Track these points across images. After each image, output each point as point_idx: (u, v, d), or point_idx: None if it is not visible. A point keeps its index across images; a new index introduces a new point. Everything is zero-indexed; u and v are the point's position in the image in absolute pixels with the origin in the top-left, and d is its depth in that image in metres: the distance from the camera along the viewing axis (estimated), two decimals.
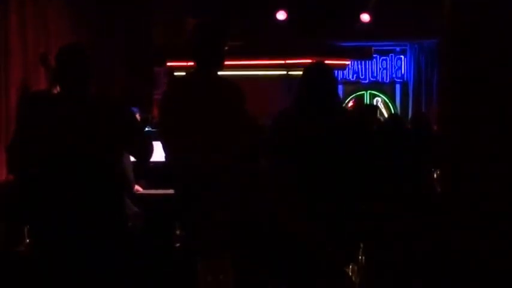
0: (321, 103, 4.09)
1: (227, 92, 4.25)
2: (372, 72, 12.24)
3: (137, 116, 6.11)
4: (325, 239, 3.77)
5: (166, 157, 4.37)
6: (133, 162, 5.60)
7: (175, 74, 9.14)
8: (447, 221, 4.29)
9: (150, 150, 4.05)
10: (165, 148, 4.34)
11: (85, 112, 3.79)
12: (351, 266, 3.71)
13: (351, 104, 12.04)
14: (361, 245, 3.22)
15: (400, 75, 12.15)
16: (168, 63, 9.57)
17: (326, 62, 9.36)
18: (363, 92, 12.25)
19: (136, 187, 5.96)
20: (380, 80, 12.25)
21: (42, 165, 3.89)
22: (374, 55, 11.43)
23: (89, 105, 3.82)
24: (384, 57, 12.15)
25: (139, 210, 5.57)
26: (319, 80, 4.15)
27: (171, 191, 4.63)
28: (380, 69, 12.20)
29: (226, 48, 4.36)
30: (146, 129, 6.68)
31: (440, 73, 11.02)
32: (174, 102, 4.28)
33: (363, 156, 4.11)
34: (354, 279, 3.58)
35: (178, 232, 5.23)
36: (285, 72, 9.66)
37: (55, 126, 3.77)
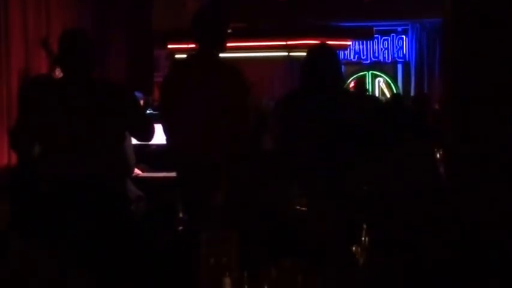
0: (324, 84, 4.11)
1: (228, 74, 4.26)
2: (374, 53, 12.21)
3: (141, 101, 6.12)
4: (335, 218, 3.80)
5: (167, 139, 4.38)
6: (134, 145, 5.61)
7: (176, 56, 9.14)
8: (452, 201, 4.30)
9: (151, 131, 4.08)
10: (166, 129, 4.35)
11: (86, 95, 3.81)
12: (354, 248, 3.74)
13: (352, 84, 12.02)
14: (364, 226, 3.23)
15: (401, 55, 12.13)
16: (169, 46, 9.55)
17: (327, 42, 9.37)
18: (364, 73, 12.22)
19: (136, 171, 5.97)
20: (382, 60, 12.23)
21: (44, 150, 3.92)
22: (375, 35, 11.40)
23: (90, 88, 3.84)
24: (386, 37, 12.11)
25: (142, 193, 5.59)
26: (322, 61, 4.17)
27: (171, 174, 4.64)
28: (381, 49, 12.17)
29: (229, 31, 4.37)
30: (147, 111, 6.68)
31: (442, 52, 11.00)
32: (176, 84, 4.29)
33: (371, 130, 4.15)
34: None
35: (181, 215, 5.24)
36: (286, 54, 9.64)
37: (56, 109, 3.80)
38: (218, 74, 4.25)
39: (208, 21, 4.28)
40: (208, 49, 4.27)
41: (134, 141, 5.77)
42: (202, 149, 4.17)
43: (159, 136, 4.31)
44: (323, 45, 4.42)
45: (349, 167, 4.07)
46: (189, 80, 4.25)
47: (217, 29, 4.30)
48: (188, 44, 8.37)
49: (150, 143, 4.70)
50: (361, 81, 11.80)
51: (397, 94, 10.93)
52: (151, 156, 6.07)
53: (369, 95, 10.49)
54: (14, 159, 5.61)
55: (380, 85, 12.10)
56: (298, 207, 3.99)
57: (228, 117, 4.18)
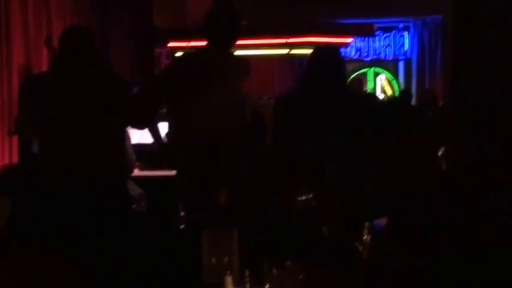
0: (327, 84, 4.13)
1: (240, 68, 4.37)
2: (375, 50, 12.18)
3: None
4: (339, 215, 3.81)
5: (171, 127, 4.43)
6: (133, 144, 5.63)
7: (177, 55, 9.15)
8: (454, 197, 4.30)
9: (145, 115, 4.15)
10: (172, 115, 4.39)
11: (87, 92, 3.83)
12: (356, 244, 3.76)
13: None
14: (367, 224, 3.24)
15: (403, 52, 12.09)
16: (169, 44, 9.54)
17: (328, 40, 9.35)
18: (365, 70, 12.20)
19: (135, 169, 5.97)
20: (383, 57, 12.19)
21: (44, 147, 3.93)
22: (377, 32, 11.37)
23: (91, 85, 3.86)
24: (387, 34, 12.08)
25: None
26: (325, 63, 4.20)
27: (170, 173, 4.66)
28: (383, 46, 12.14)
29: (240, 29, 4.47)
30: None
31: (443, 50, 10.99)
32: (186, 73, 4.33)
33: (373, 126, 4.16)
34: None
35: (182, 214, 5.24)
36: (287, 51, 9.63)
37: (57, 105, 3.81)
38: (230, 67, 4.36)
39: (226, 22, 4.36)
40: (221, 45, 4.35)
41: (133, 140, 5.79)
42: (210, 132, 4.23)
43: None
44: (326, 47, 4.52)
45: (353, 163, 4.08)
46: (201, 71, 4.31)
47: (234, 28, 4.40)
48: (189, 42, 8.43)
49: (145, 142, 4.74)
50: (360, 80, 11.79)
51: (405, 91, 10.90)
52: (149, 155, 6.07)
53: (368, 93, 10.47)
54: (15, 158, 5.62)
55: (381, 82, 12.08)
56: (301, 198, 4.00)
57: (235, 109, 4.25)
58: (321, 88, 4.16)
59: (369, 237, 2.92)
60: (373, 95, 10.63)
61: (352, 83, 11.52)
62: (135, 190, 5.37)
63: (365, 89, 11.49)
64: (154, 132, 4.44)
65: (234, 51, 4.48)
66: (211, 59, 4.35)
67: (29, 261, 2.77)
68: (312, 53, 4.39)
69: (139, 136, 6.00)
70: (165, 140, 4.55)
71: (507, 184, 4.07)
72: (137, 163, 6.01)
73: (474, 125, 4.41)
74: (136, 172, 5.99)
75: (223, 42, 4.36)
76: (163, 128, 4.53)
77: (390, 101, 10.40)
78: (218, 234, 4.09)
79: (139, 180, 5.81)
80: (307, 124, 4.14)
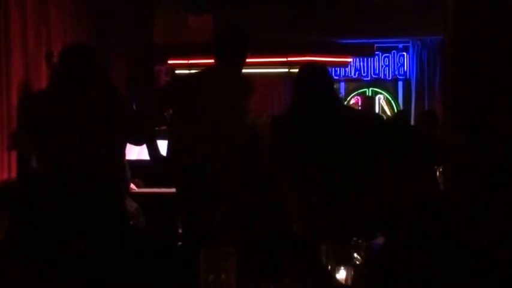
0: (315, 103, 4.13)
1: (248, 87, 4.39)
2: (374, 70, 12.21)
3: None
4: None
5: (171, 145, 4.43)
6: (128, 160, 5.63)
7: (177, 72, 9.17)
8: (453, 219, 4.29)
9: (144, 132, 4.16)
10: (176, 133, 4.39)
11: (86, 109, 3.84)
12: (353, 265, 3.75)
13: (353, 101, 12.02)
14: (364, 244, 3.23)
15: (402, 72, 12.13)
16: (169, 61, 9.53)
17: (328, 59, 9.36)
18: (365, 89, 12.23)
19: (132, 186, 5.96)
20: (382, 77, 12.23)
21: (42, 163, 3.93)
22: (376, 52, 11.42)
23: (89, 102, 3.86)
24: (386, 54, 12.12)
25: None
26: (309, 80, 4.21)
27: (167, 190, 4.66)
28: (382, 66, 12.17)
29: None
30: None
31: (442, 70, 11.02)
32: (192, 92, 4.34)
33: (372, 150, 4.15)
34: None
35: (180, 230, 5.25)
36: (286, 70, 9.66)
37: (56, 122, 3.82)
38: (243, 88, 4.35)
39: (238, 43, 4.38)
40: (230, 66, 4.37)
41: (128, 156, 5.80)
42: (211, 156, 4.22)
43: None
44: (310, 63, 4.52)
45: (352, 182, 4.08)
46: (211, 90, 4.32)
47: (245, 49, 4.42)
48: (189, 59, 8.46)
49: (144, 158, 4.73)
50: (371, 100, 11.80)
51: (402, 111, 10.91)
52: (145, 172, 6.06)
53: (373, 114, 10.49)
54: (14, 173, 5.64)
55: (380, 102, 12.10)
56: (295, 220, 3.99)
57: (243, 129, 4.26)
58: (310, 106, 4.16)
59: (366, 257, 2.91)
60: (374, 114, 10.65)
61: (364, 103, 11.59)
62: (131, 206, 5.37)
63: (374, 109, 11.53)
64: (152, 149, 4.43)
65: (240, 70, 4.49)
66: (219, 78, 4.36)
67: (26, 276, 2.76)
68: (298, 71, 4.40)
69: (138, 152, 6.00)
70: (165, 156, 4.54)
71: (502, 204, 4.07)
72: (136, 179, 6.01)
73: (472, 144, 4.42)
74: (135, 188, 5.98)
75: (231, 62, 4.37)
76: (162, 146, 4.53)
77: (388, 120, 10.42)
78: (216, 252, 4.07)
79: (137, 196, 5.81)
80: (301, 143, 4.13)
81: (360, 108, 11.15)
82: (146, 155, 5.03)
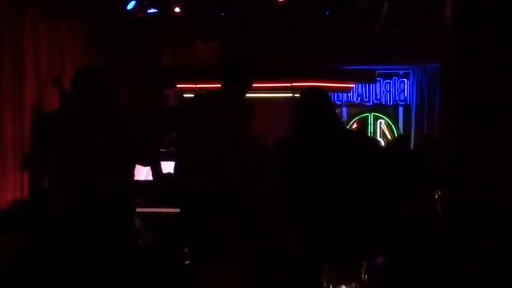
0: (316, 126, 4.21)
1: (248, 113, 4.46)
2: (376, 95, 12.34)
3: None
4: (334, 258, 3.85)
5: (178, 168, 4.48)
6: (141, 181, 5.68)
7: (185, 95, 9.23)
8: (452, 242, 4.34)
9: (155, 154, 4.23)
10: (181, 158, 4.46)
11: (97, 130, 3.89)
12: (353, 284, 3.79)
13: (355, 126, 12.14)
14: (364, 264, 3.29)
15: (403, 98, 12.27)
16: (178, 85, 9.60)
17: (331, 84, 9.44)
18: (366, 114, 12.35)
19: None
20: (383, 102, 12.35)
21: (54, 184, 3.99)
22: (378, 78, 11.55)
23: (101, 124, 3.92)
24: (388, 81, 12.26)
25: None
26: (309, 103, 4.30)
27: (174, 210, 4.69)
28: (384, 92, 12.30)
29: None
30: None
31: (441, 96, 11.10)
32: (199, 117, 4.42)
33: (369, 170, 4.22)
34: None
35: (187, 250, 5.32)
36: (291, 95, 9.74)
37: (68, 144, 3.87)
38: (241, 112, 4.47)
39: (244, 70, 4.48)
40: (236, 90, 4.47)
41: (141, 177, 5.85)
42: (219, 180, 4.30)
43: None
44: (313, 89, 4.57)
45: (350, 204, 4.14)
46: (212, 115, 4.40)
47: (251, 75, 4.51)
48: (197, 83, 8.51)
49: (146, 178, 4.76)
50: (363, 122, 11.97)
51: (402, 136, 11.03)
52: (146, 192, 6.09)
53: (369, 137, 10.63)
54: (26, 193, 5.69)
55: (381, 127, 12.22)
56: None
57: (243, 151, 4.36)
58: (311, 130, 4.23)
59: (367, 277, 2.95)
60: (373, 139, 10.77)
61: (360, 125, 11.72)
62: (138, 224, 5.41)
63: (367, 130, 11.71)
64: (156, 169, 4.47)
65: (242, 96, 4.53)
66: (222, 103, 4.42)
67: None
68: (299, 96, 4.47)
69: (147, 173, 6.05)
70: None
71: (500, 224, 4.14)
72: (137, 200, 6.05)
73: (471, 168, 4.47)
74: (143, 208, 6.04)
75: (234, 88, 4.46)
76: (168, 167, 4.58)
77: (388, 144, 10.55)
78: (220, 269, 4.18)
79: (145, 216, 5.87)
80: (302, 166, 4.21)
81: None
82: (144, 176, 5.06)
